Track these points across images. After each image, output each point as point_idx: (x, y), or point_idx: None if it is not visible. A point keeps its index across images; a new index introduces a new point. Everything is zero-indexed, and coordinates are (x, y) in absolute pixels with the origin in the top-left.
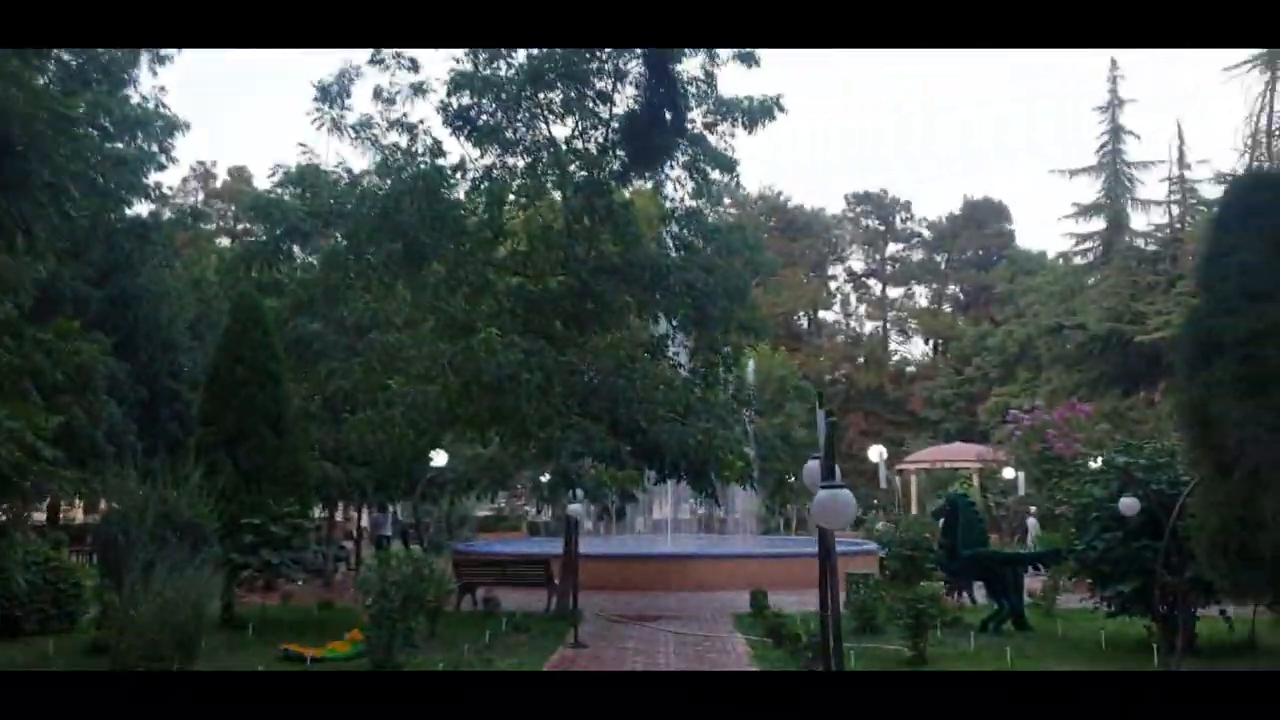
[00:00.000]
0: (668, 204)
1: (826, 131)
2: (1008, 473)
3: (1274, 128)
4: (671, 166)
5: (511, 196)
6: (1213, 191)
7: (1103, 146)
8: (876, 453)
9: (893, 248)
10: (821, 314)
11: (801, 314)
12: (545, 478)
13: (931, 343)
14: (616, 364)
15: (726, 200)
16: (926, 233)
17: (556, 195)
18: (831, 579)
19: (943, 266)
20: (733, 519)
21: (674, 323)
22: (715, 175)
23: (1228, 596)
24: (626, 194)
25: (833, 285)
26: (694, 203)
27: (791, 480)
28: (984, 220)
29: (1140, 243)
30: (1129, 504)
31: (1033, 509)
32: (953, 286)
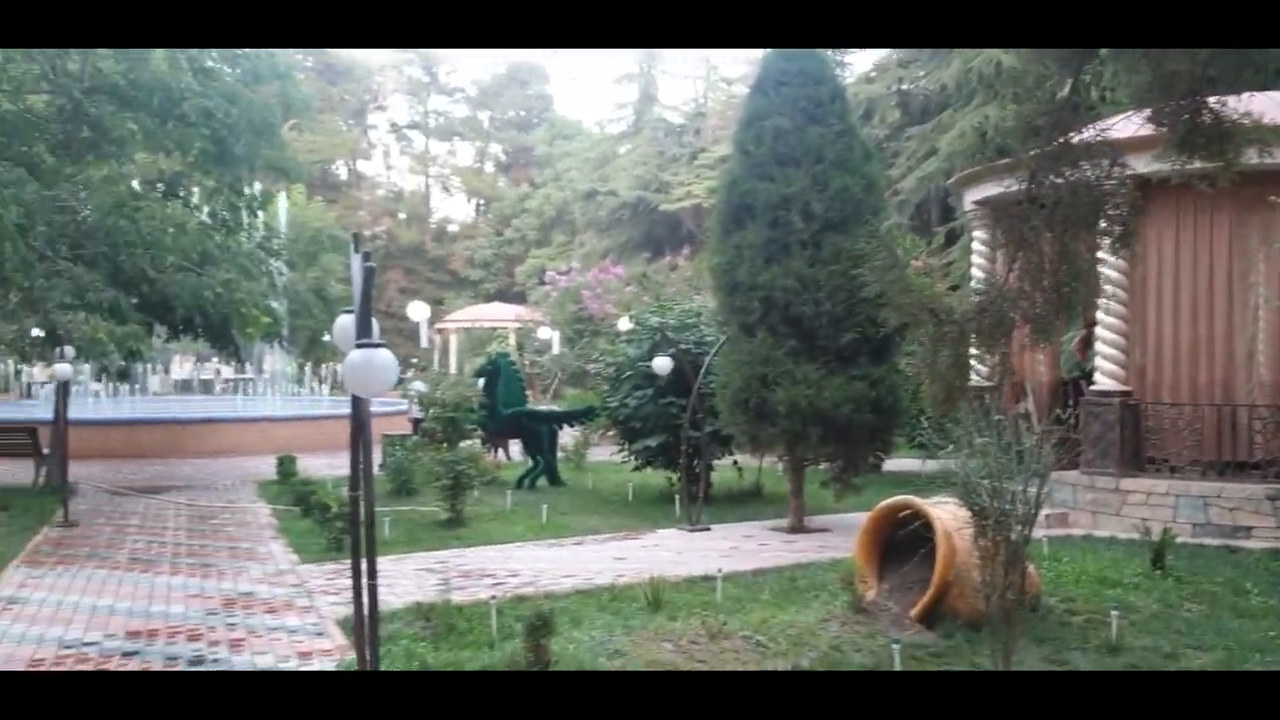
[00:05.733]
0: None
1: None
2: (543, 332)
3: None
4: None
5: None
6: (735, 69)
7: None
8: (419, 310)
9: (437, 101)
10: (361, 166)
11: (340, 164)
12: (37, 332)
13: (474, 202)
14: (116, 201)
15: None
16: (471, 88)
17: None
18: (366, 455)
19: (486, 125)
20: (263, 379)
21: (190, 158)
22: None
23: (744, 449)
24: None
25: (373, 136)
26: None
27: (327, 339)
28: (527, 81)
29: (668, 115)
30: (662, 363)
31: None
32: (495, 146)
